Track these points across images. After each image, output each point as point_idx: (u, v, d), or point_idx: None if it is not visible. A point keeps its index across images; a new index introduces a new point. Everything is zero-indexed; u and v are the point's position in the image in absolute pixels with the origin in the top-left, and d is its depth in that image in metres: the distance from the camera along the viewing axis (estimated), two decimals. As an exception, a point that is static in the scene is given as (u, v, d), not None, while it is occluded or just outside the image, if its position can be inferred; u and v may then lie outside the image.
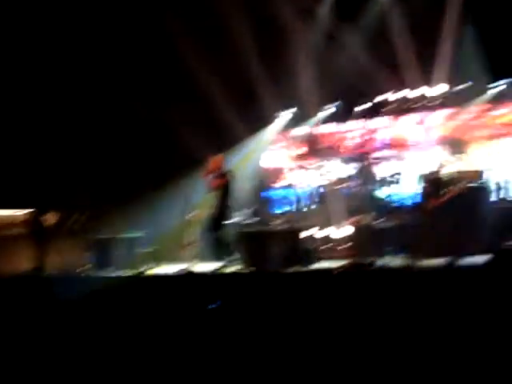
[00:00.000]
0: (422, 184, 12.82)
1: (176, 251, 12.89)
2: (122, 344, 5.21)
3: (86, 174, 15.27)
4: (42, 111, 14.97)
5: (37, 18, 14.41)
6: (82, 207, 16.41)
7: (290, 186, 15.01)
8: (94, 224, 15.52)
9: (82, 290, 7.35)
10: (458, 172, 12.83)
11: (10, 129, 14.92)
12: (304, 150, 15.50)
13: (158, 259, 13.15)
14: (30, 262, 13.32)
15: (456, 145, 13.23)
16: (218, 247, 11.93)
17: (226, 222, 12.04)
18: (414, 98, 13.98)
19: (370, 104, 14.44)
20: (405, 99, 14.06)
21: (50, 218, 13.58)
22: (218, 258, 11.91)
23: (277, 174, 15.75)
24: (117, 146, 15.32)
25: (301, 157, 15.48)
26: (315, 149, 15.32)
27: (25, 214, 13.42)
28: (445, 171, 12.45)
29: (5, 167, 14.67)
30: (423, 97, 13.89)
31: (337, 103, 14.85)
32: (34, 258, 13.18)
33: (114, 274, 12.30)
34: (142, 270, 12.21)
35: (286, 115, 15.32)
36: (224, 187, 12.04)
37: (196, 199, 12.83)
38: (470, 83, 13.42)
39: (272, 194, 15.46)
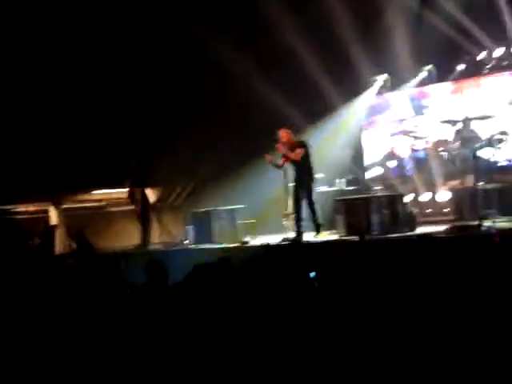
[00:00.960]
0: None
1: (277, 221, 12.92)
2: (229, 314, 5.24)
3: (183, 150, 15.45)
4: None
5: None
6: (182, 182, 16.70)
7: (390, 151, 14.77)
8: (195, 198, 15.77)
9: (187, 264, 7.41)
10: None
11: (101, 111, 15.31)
12: (402, 113, 15.19)
13: (259, 230, 13.24)
14: (134, 237, 13.67)
15: None
16: (310, 216, 11.89)
17: (314, 193, 11.95)
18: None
19: (467, 64, 14.00)
20: (508, 55, 13.58)
21: (152, 194, 13.83)
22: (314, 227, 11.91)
23: (376, 139, 15.54)
24: (214, 119, 15.42)
25: (399, 121, 15.20)
26: (413, 111, 15.00)
27: (128, 191, 13.70)
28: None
29: (103, 145, 15.03)
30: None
31: (429, 66, 14.45)
32: (139, 234, 13.50)
33: (217, 246, 12.45)
34: (244, 240, 12.33)
35: (381, 79, 15.03)
36: (304, 158, 11.89)
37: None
38: None
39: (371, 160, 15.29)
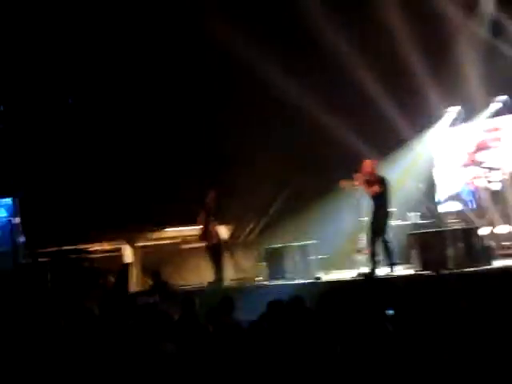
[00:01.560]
0: None
1: (349, 256, 12.82)
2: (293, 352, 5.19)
3: (255, 187, 15.53)
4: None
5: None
6: (255, 218, 16.76)
7: (463, 184, 14.51)
8: (268, 234, 15.79)
9: (260, 301, 7.40)
10: None
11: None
12: (475, 145, 14.95)
13: (332, 265, 13.15)
14: (207, 275, 13.73)
15: None
16: (384, 252, 11.75)
17: (388, 228, 11.81)
18: None
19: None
20: None
21: (225, 231, 13.91)
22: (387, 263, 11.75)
23: (450, 172, 15.30)
24: (287, 156, 15.48)
25: (472, 153, 14.95)
26: (486, 144, 14.75)
27: (198, 230, 13.79)
28: None
29: (177, 181, 15.23)
30: None
31: (504, 97, 14.22)
32: (212, 271, 13.56)
33: (290, 282, 12.40)
34: (317, 276, 12.25)
35: (452, 112, 14.84)
36: (381, 194, 11.78)
37: (367, 204, 12.69)
38: None
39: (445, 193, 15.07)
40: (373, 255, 11.72)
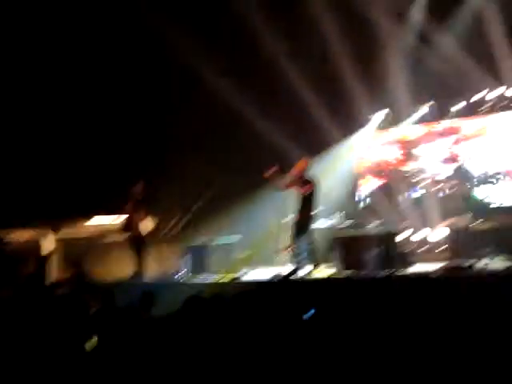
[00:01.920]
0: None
1: (272, 256, 12.94)
2: (212, 351, 5.24)
3: (181, 181, 15.53)
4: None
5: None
6: (179, 213, 16.73)
7: (385, 188, 14.82)
8: (192, 230, 15.80)
9: (180, 296, 7.43)
10: None
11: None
12: (398, 151, 15.33)
13: (255, 263, 13.25)
14: (128, 268, 13.65)
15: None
16: (308, 252, 11.87)
17: (312, 228, 11.94)
18: (510, 97, 13.64)
19: (465, 103, 14.14)
20: (502, 97, 13.72)
21: (147, 225, 13.84)
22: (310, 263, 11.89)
23: (371, 176, 15.66)
24: (213, 152, 15.55)
25: (395, 159, 15.30)
26: (409, 150, 15.13)
27: (122, 220, 13.70)
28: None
29: (101, 173, 15.09)
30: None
31: (430, 104, 14.60)
32: (133, 265, 13.49)
33: (209, 281, 12.45)
34: (237, 275, 12.32)
35: (378, 117, 15.15)
36: (310, 194, 11.84)
37: (292, 203, 12.82)
38: None
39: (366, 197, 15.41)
40: (296, 255, 11.81)
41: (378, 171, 15.49)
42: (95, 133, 15.35)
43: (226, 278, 12.29)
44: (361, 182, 15.77)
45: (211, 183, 16.02)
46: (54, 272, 14.42)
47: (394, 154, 15.36)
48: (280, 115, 14.46)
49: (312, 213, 11.83)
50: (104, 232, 15.57)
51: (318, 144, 14.75)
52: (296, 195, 11.92)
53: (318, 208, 12.45)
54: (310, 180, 11.90)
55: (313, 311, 6.33)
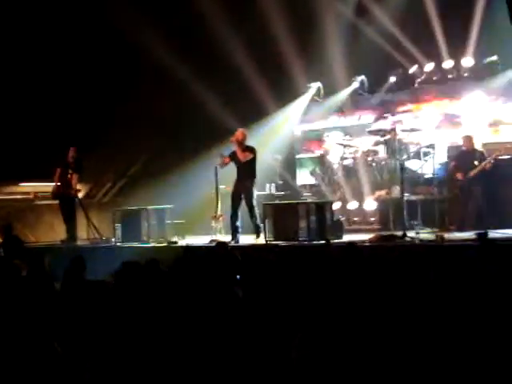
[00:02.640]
0: (451, 156, 12.80)
1: (205, 223, 12.95)
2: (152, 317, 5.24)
3: (114, 147, 15.39)
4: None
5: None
6: (112, 179, 16.59)
7: (320, 158, 14.96)
8: (124, 196, 15.70)
9: (113, 261, 7.39)
10: (492, 143, 12.80)
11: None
12: (333, 121, 15.49)
13: (188, 231, 13.26)
14: (62, 232, 13.52)
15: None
16: (251, 218, 12.00)
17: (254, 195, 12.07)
18: (447, 69, 13.85)
19: (401, 75, 14.33)
20: (437, 70, 13.94)
21: (81, 190, 13.70)
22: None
23: (307, 145, 15.79)
24: (149, 119, 15.43)
25: (331, 129, 15.45)
26: (344, 121, 15.30)
27: (53, 185, 13.53)
28: (477, 143, 12.41)
29: (33, 136, 14.83)
30: (455, 68, 13.76)
31: (361, 77, 14.75)
32: (66, 228, 13.36)
33: (144, 245, 12.42)
34: (171, 240, 12.32)
35: (314, 87, 15.24)
36: (250, 162, 12.03)
37: (226, 172, 12.85)
38: (495, 57, 13.22)
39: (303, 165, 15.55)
40: (234, 222, 11.92)
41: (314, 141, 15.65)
42: (25, 96, 15.04)
43: (159, 243, 12.29)
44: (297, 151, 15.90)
45: (146, 149, 15.92)
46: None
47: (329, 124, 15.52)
48: (217, 84, 14.41)
49: (253, 180, 11.97)
50: (36, 196, 15.36)
51: (254, 114, 14.79)
52: (237, 164, 12.01)
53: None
54: (249, 148, 12.06)
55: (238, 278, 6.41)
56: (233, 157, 12.05)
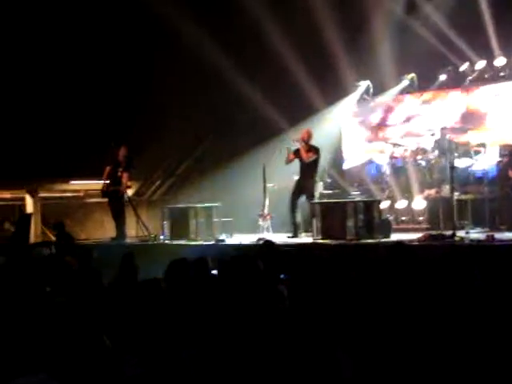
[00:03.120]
0: (503, 155, 12.60)
1: (253, 221, 12.97)
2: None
3: (164, 146, 15.48)
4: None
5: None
6: (161, 177, 16.71)
7: (368, 157, 14.88)
8: (173, 194, 15.79)
9: (162, 259, 7.44)
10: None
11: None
12: (383, 120, 15.38)
13: (235, 229, 13.28)
14: (111, 229, 13.67)
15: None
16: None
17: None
18: (499, 67, 13.64)
19: (452, 73, 14.16)
20: (489, 68, 13.74)
21: (127, 186, 13.79)
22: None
23: (356, 144, 15.69)
24: (197, 118, 15.51)
25: (380, 128, 15.35)
26: (393, 120, 15.18)
27: (103, 183, 13.67)
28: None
29: (84, 135, 15.00)
30: (509, 65, 13.54)
31: (412, 75, 14.61)
32: (115, 226, 13.49)
33: (193, 243, 12.48)
34: (220, 238, 12.36)
35: (363, 85, 15.13)
36: (314, 162, 12.26)
37: (274, 170, 12.86)
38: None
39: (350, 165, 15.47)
40: (294, 218, 12.10)
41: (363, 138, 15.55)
42: (75, 96, 15.22)
43: (207, 241, 12.33)
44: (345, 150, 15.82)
45: (195, 147, 16.01)
46: (34, 233, 14.40)
47: (377, 122, 15.42)
48: (266, 81, 14.41)
49: (314, 180, 12.28)
50: (86, 194, 15.55)
51: (303, 112, 14.76)
52: (301, 163, 12.22)
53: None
54: (314, 148, 12.29)
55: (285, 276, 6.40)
56: (297, 154, 12.19)
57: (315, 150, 12.28)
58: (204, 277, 6.33)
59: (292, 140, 12.50)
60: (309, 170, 12.23)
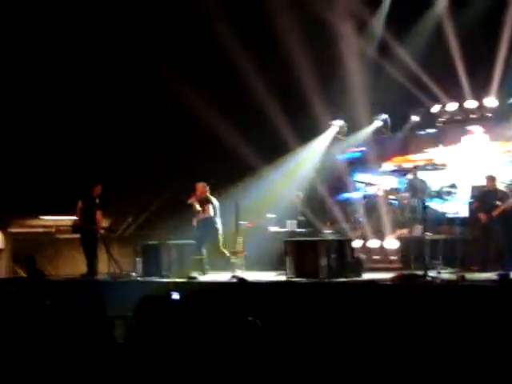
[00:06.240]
0: (474, 197, 12.71)
1: (224, 259, 12.94)
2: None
3: (136, 182, 15.46)
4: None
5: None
6: (133, 214, 16.63)
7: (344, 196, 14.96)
8: (145, 230, 15.71)
9: (133, 296, 7.38)
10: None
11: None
12: (356, 160, 15.50)
13: (208, 266, 13.22)
14: (82, 266, 13.54)
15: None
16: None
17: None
18: (469, 109, 13.82)
19: (424, 114, 14.34)
20: (460, 110, 13.93)
21: (102, 224, 13.74)
22: None
23: (332, 183, 15.76)
24: (170, 156, 15.55)
25: (349, 168, 15.44)
26: (367, 160, 15.28)
27: (74, 219, 13.58)
28: (499, 184, 12.30)
29: (55, 171, 14.96)
30: (479, 108, 13.73)
31: (385, 116, 14.77)
32: (86, 263, 13.38)
33: (164, 280, 12.39)
34: (192, 276, 12.29)
35: (337, 125, 15.25)
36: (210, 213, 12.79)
37: (245, 208, 12.88)
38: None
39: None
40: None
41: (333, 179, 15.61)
42: (46, 131, 15.22)
43: (179, 278, 12.25)
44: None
45: (168, 186, 16.00)
46: (4, 269, 14.24)
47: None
48: (239, 121, 14.49)
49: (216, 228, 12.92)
50: (56, 230, 15.41)
51: (276, 151, 14.83)
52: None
53: (270, 212, 12.73)
54: (207, 199, 12.95)
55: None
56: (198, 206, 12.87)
57: (208, 201, 12.91)
58: (174, 312, 6.28)
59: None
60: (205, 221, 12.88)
